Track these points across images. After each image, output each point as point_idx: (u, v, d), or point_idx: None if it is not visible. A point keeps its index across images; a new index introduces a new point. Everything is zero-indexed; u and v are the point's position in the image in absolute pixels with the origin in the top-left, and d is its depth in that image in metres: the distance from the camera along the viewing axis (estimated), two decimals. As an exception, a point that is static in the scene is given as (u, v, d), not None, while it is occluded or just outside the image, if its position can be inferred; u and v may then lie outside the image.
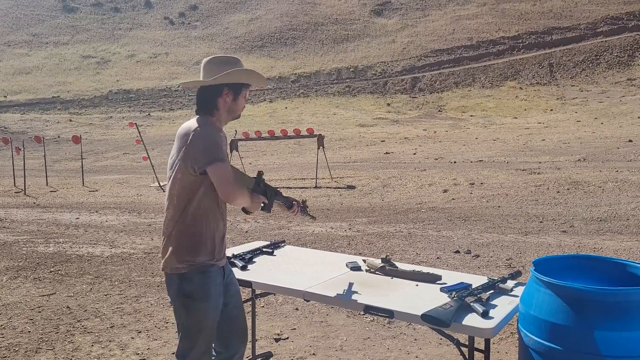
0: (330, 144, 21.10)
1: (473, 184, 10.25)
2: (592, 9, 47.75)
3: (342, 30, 44.04)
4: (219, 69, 2.27)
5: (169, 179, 2.25)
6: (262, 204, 2.39)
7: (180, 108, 33.28)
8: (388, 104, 34.47)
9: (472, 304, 2.33)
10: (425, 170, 12.62)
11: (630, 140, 16.95)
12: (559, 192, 8.95)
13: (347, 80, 37.68)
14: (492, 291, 2.52)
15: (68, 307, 4.27)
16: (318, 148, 11.34)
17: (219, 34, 44.28)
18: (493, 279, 2.62)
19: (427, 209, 8.35)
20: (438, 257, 5.62)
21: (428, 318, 2.22)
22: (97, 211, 9.10)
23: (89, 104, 34.25)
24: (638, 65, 40.13)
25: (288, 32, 43.50)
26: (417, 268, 2.85)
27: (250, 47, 41.86)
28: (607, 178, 9.54)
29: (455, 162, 14.54)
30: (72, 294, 4.62)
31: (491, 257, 5.63)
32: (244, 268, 2.89)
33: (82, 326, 3.86)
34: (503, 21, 46.70)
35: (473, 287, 2.50)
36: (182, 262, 2.22)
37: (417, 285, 2.66)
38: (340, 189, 10.66)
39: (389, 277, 2.77)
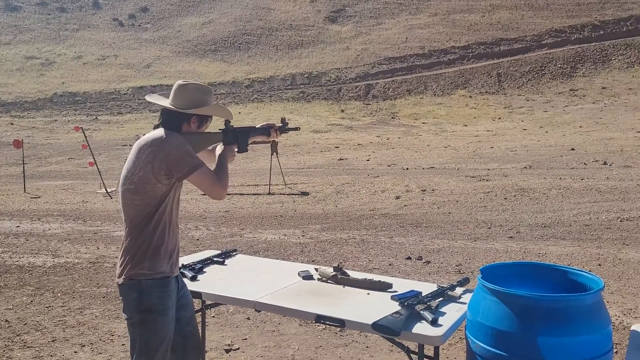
0: (284, 149, 21.06)
1: (425, 190, 10.43)
2: (537, 21, 49.60)
3: (296, 36, 44.13)
4: (191, 96, 2.33)
5: (128, 189, 2.21)
6: (236, 150, 2.48)
7: (129, 112, 32.49)
8: (342, 110, 34.74)
9: (421, 312, 2.35)
10: (378, 176, 12.76)
11: (573, 149, 17.66)
12: (506, 198, 9.22)
13: (301, 86, 37.74)
14: (441, 299, 2.56)
15: (7, 320, 4.07)
16: (272, 154, 11.29)
17: (170, 36, 43.54)
18: (442, 287, 2.66)
19: (380, 216, 8.43)
20: (390, 264, 5.67)
21: (379, 327, 2.23)
22: (39, 219, 8.74)
23: (31, 106, 32.96)
24: (580, 76, 41.91)
25: (242, 36, 43.23)
26: (369, 276, 2.86)
27: (203, 50, 41.36)
28: (551, 185, 9.90)
29: (407, 168, 14.77)
30: (11, 307, 4.41)
31: (442, 263, 5.73)
32: (193, 278, 2.82)
33: (22, 340, 3.68)
34: (454, 31, 47.91)
35: (423, 294, 2.53)
36: (141, 272, 2.19)
37: (368, 293, 2.67)
38: (293, 196, 10.64)
39: (341, 286, 2.77)
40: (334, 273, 2.83)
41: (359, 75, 40.16)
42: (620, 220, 7.51)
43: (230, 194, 10.56)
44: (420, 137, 26.65)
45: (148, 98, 2.58)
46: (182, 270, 2.87)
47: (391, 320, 2.26)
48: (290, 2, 49.27)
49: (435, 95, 39.34)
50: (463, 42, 46.59)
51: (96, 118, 31.26)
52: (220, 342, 3.63)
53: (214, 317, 4.10)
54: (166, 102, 2.37)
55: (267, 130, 2.57)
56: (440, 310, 2.44)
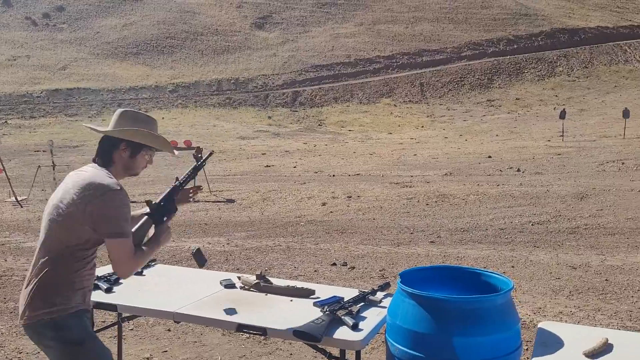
0: (211, 156, 20.68)
1: (350, 197, 10.58)
2: (457, 34, 51.83)
3: (222, 41, 43.61)
4: (125, 124, 2.25)
5: (54, 220, 2.07)
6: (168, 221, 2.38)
7: (43, 116, 30.76)
8: (269, 117, 34.66)
9: (342, 317, 2.37)
10: (305, 183, 12.81)
11: (490, 156, 18.53)
12: (428, 204, 9.52)
13: (227, 91, 37.30)
14: (362, 303, 2.59)
15: None
16: (196, 162, 11.03)
17: (89, 38, 41.72)
18: (363, 292, 2.69)
19: (306, 222, 8.46)
20: (315, 270, 5.69)
21: (300, 334, 2.22)
22: (-60, 230, 8.08)
23: None
24: (496, 87, 44.15)
25: (165, 40, 42.16)
26: (292, 283, 2.85)
27: (124, 53, 39.93)
28: (470, 191, 10.34)
29: (334, 175, 14.93)
30: None
31: (366, 268, 5.82)
32: (108, 290, 2.70)
33: None
34: (379, 41, 49.13)
35: (344, 300, 2.56)
36: (51, 307, 2.04)
37: (291, 300, 2.66)
38: (219, 203, 10.46)
39: (264, 294, 2.75)
40: (256, 281, 2.80)
41: (286, 82, 40.24)
42: (532, 224, 7.96)
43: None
44: (347, 145, 27.05)
45: (87, 127, 2.54)
46: (96, 282, 2.74)
47: (312, 327, 2.26)
48: (216, 7, 48.68)
49: (361, 103, 40.11)
50: (388, 52, 47.87)
51: (6, 122, 29.37)
52: (138, 356, 3.49)
53: (132, 330, 3.94)
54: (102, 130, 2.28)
55: (176, 204, 2.44)
56: (362, 314, 2.47)
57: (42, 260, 2.07)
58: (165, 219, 2.34)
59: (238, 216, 9.08)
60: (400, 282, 2.37)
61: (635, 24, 55.10)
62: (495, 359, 2.12)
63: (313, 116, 36.09)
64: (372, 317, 2.45)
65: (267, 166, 17.77)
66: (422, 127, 35.41)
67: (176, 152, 2.54)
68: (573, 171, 13.35)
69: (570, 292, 5.05)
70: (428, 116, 38.41)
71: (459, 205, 9.34)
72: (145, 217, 2.30)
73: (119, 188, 2.09)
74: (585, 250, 6.51)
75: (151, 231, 2.32)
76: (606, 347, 2.13)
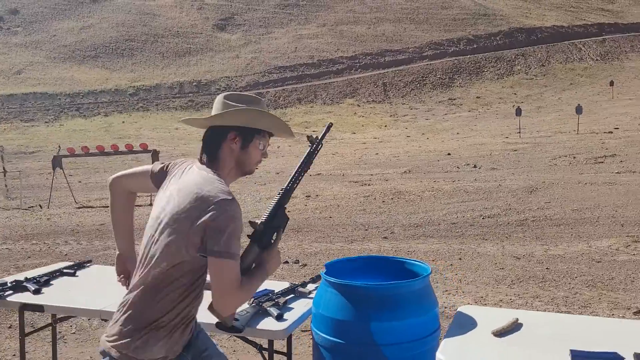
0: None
1: (309, 196, 10.65)
2: (419, 34, 52.55)
3: (184, 43, 43.15)
4: (227, 107, 1.83)
5: (151, 236, 1.77)
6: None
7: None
8: (233, 119, 34.49)
9: (268, 308, 2.43)
10: (265, 184, 12.82)
11: (449, 154, 18.87)
12: (384, 201, 9.66)
13: (190, 94, 36.93)
14: (292, 295, 2.65)
15: None
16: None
17: (45, 41, 40.73)
18: (294, 284, 2.75)
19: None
20: (267, 268, 5.73)
21: (221, 326, 2.26)
22: None
23: None
24: (457, 86, 44.92)
25: (125, 42, 41.47)
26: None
27: (81, 56, 39.13)
28: (426, 187, 10.53)
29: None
30: None
31: (317, 265, 5.89)
32: (37, 292, 2.68)
33: None
34: (342, 42, 49.41)
35: (274, 292, 2.61)
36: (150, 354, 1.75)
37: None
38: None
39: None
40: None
41: (249, 83, 40.09)
42: (483, 218, 8.17)
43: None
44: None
45: (183, 121, 2.10)
46: (24, 283, 2.72)
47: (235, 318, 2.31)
48: (176, 9, 48.16)
49: (324, 104, 40.26)
50: (350, 52, 48.17)
51: (-41, 128, 28.47)
52: (78, 359, 3.46)
53: (74, 333, 3.90)
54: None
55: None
56: (289, 306, 2.53)
57: (143, 285, 1.75)
58: (274, 239, 1.91)
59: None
60: (324, 272, 2.43)
61: (589, 23, 56.86)
62: (412, 341, 2.20)
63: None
64: (299, 308, 2.51)
65: (228, 168, 17.69)
66: (386, 126, 35.78)
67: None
68: (527, 166, 13.72)
69: (512, 281, 5.22)
70: (391, 115, 38.82)
71: (414, 202, 9.51)
72: (249, 241, 1.87)
73: (231, 197, 1.72)
74: (530, 241, 6.72)
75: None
76: (515, 327, 2.23)
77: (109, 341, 1.75)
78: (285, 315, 2.39)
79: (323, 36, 49.25)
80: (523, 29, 53.34)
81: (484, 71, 47.06)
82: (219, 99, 1.91)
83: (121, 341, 1.73)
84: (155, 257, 1.73)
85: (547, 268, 5.58)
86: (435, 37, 51.69)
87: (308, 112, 37.89)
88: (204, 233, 1.66)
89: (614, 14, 61.01)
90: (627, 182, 10.02)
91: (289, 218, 2.00)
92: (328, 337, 2.29)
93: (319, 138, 1.99)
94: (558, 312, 4.42)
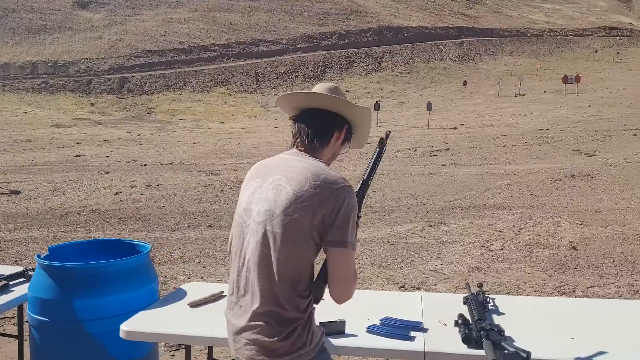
0: (13, 145, 19.03)
1: (150, 185, 10.49)
2: (293, 26, 53.22)
3: (38, 19, 39.84)
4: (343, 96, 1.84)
5: (266, 232, 1.65)
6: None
7: None
8: (92, 104, 32.58)
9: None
10: (108, 173, 12.39)
11: (307, 144, 19.49)
12: (222, 190, 9.82)
13: (44, 75, 34.26)
14: (22, 279, 2.71)
15: None
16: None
17: None
18: (27, 268, 2.81)
19: (89, 212, 8.24)
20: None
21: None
22: None
23: None
24: (328, 79, 46.17)
25: (-31, 15, 37.45)
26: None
27: None
28: (266, 177, 10.85)
29: (145, 164, 14.60)
30: None
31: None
32: None
33: None
34: (214, 29, 48.58)
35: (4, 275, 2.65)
36: (301, 349, 1.67)
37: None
38: (1, 195, 9.71)
39: None
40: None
41: (112, 67, 38.09)
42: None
43: None
44: (175, 134, 26.50)
45: (319, 95, 1.85)
46: None
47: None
48: (32, -18, 44.27)
49: (194, 91, 39.43)
50: (223, 40, 47.54)
51: None
52: None
53: None
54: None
55: None
56: (11, 289, 2.60)
57: (271, 288, 1.65)
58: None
59: (15, 208, 8.53)
60: (41, 257, 2.52)
61: (450, 25, 61.31)
62: (117, 316, 2.35)
63: (142, 104, 34.68)
64: (21, 291, 2.59)
65: (76, 156, 16.78)
66: (256, 116, 35.91)
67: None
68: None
69: (310, 263, 5.64)
70: (262, 106, 39.01)
71: (252, 191, 9.77)
72: None
73: (350, 185, 1.68)
74: (344, 227, 7.26)
75: None
76: (215, 299, 2.49)
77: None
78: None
79: (195, 22, 48.08)
80: (391, 28, 56.19)
81: (354, 66, 48.91)
82: (335, 87, 1.88)
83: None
84: (278, 255, 1.64)
85: (346, 251, 6.09)
86: (309, 30, 52.70)
87: (176, 99, 36.86)
88: (327, 223, 1.60)
89: (472, 19, 66.35)
90: (447, 173, 11.12)
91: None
92: (37, 316, 2.40)
93: (385, 140, 2.07)
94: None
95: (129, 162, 15.34)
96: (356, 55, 50.77)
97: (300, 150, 1.80)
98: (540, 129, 19.52)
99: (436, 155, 14.53)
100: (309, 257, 1.65)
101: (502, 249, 6.15)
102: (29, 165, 14.69)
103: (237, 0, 53.95)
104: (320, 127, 1.79)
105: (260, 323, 1.64)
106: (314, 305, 1.73)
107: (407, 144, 18.29)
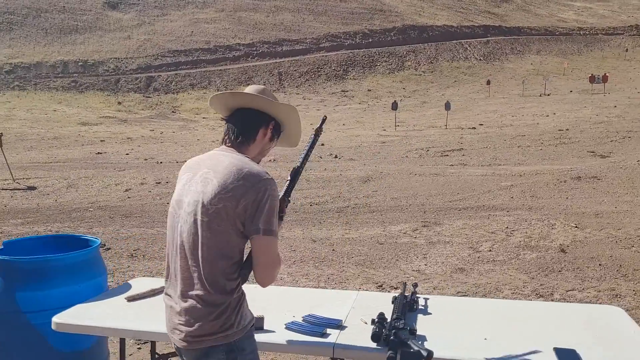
0: (40, 143, 19.66)
1: (159, 182, 10.76)
2: (317, 26, 53.37)
3: (70, 20, 40.92)
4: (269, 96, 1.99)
5: (201, 221, 1.76)
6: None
7: None
8: (119, 103, 33.33)
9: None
10: (124, 170, 12.73)
11: (323, 144, 19.58)
12: (227, 188, 10.01)
13: (74, 74, 35.18)
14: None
15: None
16: (-6, 148, 10.54)
17: None
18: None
19: (96, 208, 8.53)
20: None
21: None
22: None
23: None
24: (350, 79, 46.24)
25: (3, 15, 38.64)
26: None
27: (-53, 29, 36.00)
28: (273, 176, 10.99)
29: (161, 162, 14.94)
30: None
31: (122, 248, 6.12)
32: None
33: None
34: (239, 28, 49.08)
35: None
36: (227, 330, 1.77)
37: None
38: (17, 191, 10.11)
39: None
40: None
41: (140, 66, 38.85)
42: (310, 205, 8.75)
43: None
44: (196, 132, 26.95)
45: (241, 94, 1.98)
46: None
47: None
48: (63, -17, 45.46)
49: (218, 90, 39.84)
50: (248, 39, 47.99)
51: None
52: None
53: None
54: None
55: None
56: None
57: (198, 272, 1.77)
58: (282, 213, 2.03)
59: (27, 204, 8.88)
60: (-1, 250, 2.70)
61: (476, 24, 60.56)
62: (60, 308, 2.51)
63: (167, 102, 35.32)
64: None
65: (98, 153, 17.25)
66: (277, 115, 36.10)
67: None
68: (382, 157, 14.66)
69: (294, 261, 5.77)
70: (285, 105, 39.24)
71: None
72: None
73: (272, 177, 1.82)
74: (337, 227, 7.36)
75: None
76: (152, 294, 2.63)
77: None
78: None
79: (221, 22, 48.65)
80: (416, 27, 55.81)
81: (377, 65, 48.77)
82: (262, 89, 2.02)
83: None
84: (204, 241, 1.75)
85: (333, 250, 6.20)
86: (333, 29, 52.75)
87: (200, 98, 37.40)
88: (249, 213, 1.72)
89: (499, 17, 65.36)
90: (452, 174, 11.09)
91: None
92: (-19, 309, 2.57)
93: (319, 129, 2.28)
94: (316, 287, 4.99)
95: (146, 159, 15.70)
96: (379, 55, 50.60)
97: (228, 146, 1.92)
98: (560, 130, 19.21)
99: (447, 155, 14.47)
100: (235, 243, 1.77)
101: (490, 250, 6.16)
102: (51, 162, 15.18)
103: (263, 0, 54.36)
104: (247, 125, 1.92)
105: (189, 306, 1.76)
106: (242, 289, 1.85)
107: (421, 143, 18.23)
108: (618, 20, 63.39)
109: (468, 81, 46.25)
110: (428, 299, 2.74)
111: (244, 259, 1.84)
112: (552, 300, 4.77)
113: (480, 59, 51.94)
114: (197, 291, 1.76)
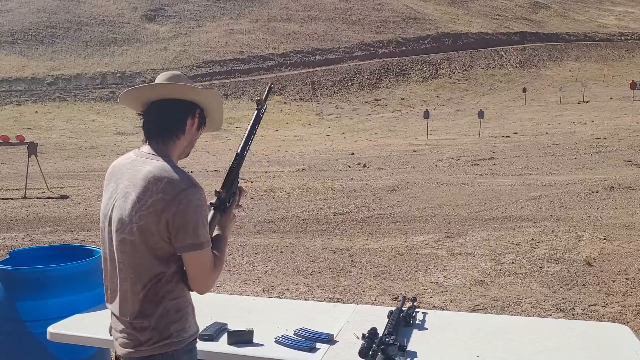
0: (77, 152, 20.24)
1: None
2: (350, 35, 53.49)
3: (109, 32, 42.16)
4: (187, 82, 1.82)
5: (126, 240, 1.70)
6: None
7: None
8: (155, 113, 34.04)
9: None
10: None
11: (352, 153, 19.55)
12: (252, 198, 10.08)
13: (112, 85, 36.15)
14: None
15: None
16: (29, 156, 10.90)
17: (-46, 25, 38.81)
18: None
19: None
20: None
21: None
22: None
23: None
24: (383, 87, 46.11)
25: (45, 29, 40.11)
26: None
27: (-4, 42, 37.54)
28: (297, 185, 11.04)
29: (192, 171, 15.14)
30: None
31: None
32: None
33: None
34: (273, 39, 49.64)
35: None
36: (166, 339, 1.74)
37: None
38: (51, 199, 10.42)
39: None
40: None
41: (175, 77, 39.62)
42: (334, 215, 8.73)
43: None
44: (228, 141, 27.28)
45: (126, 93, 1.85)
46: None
47: None
48: (103, -3, 46.94)
49: (251, 100, 40.35)
50: (282, 49, 48.48)
51: None
52: None
53: None
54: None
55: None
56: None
57: (132, 285, 1.73)
58: (228, 204, 1.93)
59: (59, 212, 9.14)
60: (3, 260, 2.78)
61: (512, 31, 59.59)
62: (61, 317, 2.56)
63: (201, 112, 35.92)
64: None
65: (131, 162, 17.64)
66: (309, 124, 36.34)
67: None
68: (411, 166, 14.52)
69: (312, 272, 5.75)
70: (317, 114, 39.42)
71: (281, 199, 9.98)
72: (212, 210, 1.87)
73: (195, 185, 1.70)
74: (359, 237, 7.31)
75: None
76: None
77: None
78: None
79: (255, 32, 49.30)
80: (450, 34, 55.28)
81: (410, 73, 48.49)
82: (179, 75, 1.86)
83: None
84: (134, 260, 1.71)
85: (352, 260, 6.16)
86: (366, 38, 52.78)
87: (234, 107, 37.91)
88: (172, 229, 1.65)
89: (536, 24, 64.15)
90: (481, 183, 10.89)
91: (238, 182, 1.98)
92: (-17, 316, 2.64)
93: (262, 100, 2.05)
94: (329, 299, 4.96)
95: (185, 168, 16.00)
96: (413, 63, 50.30)
97: (150, 147, 1.79)
98: (597, 138, 18.66)
99: (477, 164, 14.22)
100: (165, 257, 1.70)
101: (513, 262, 6.01)
102: (85, 172, 15.62)
103: (297, 10, 54.88)
104: (173, 117, 1.78)
105: (127, 319, 1.75)
106: (185, 299, 1.80)
107: (452, 152, 17.99)
108: (662, 24, 61.39)
109: (504, 89, 45.48)
110: (427, 313, 2.69)
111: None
112: (572, 315, 4.61)
113: (516, 66, 51.03)
114: (133, 306, 1.73)
